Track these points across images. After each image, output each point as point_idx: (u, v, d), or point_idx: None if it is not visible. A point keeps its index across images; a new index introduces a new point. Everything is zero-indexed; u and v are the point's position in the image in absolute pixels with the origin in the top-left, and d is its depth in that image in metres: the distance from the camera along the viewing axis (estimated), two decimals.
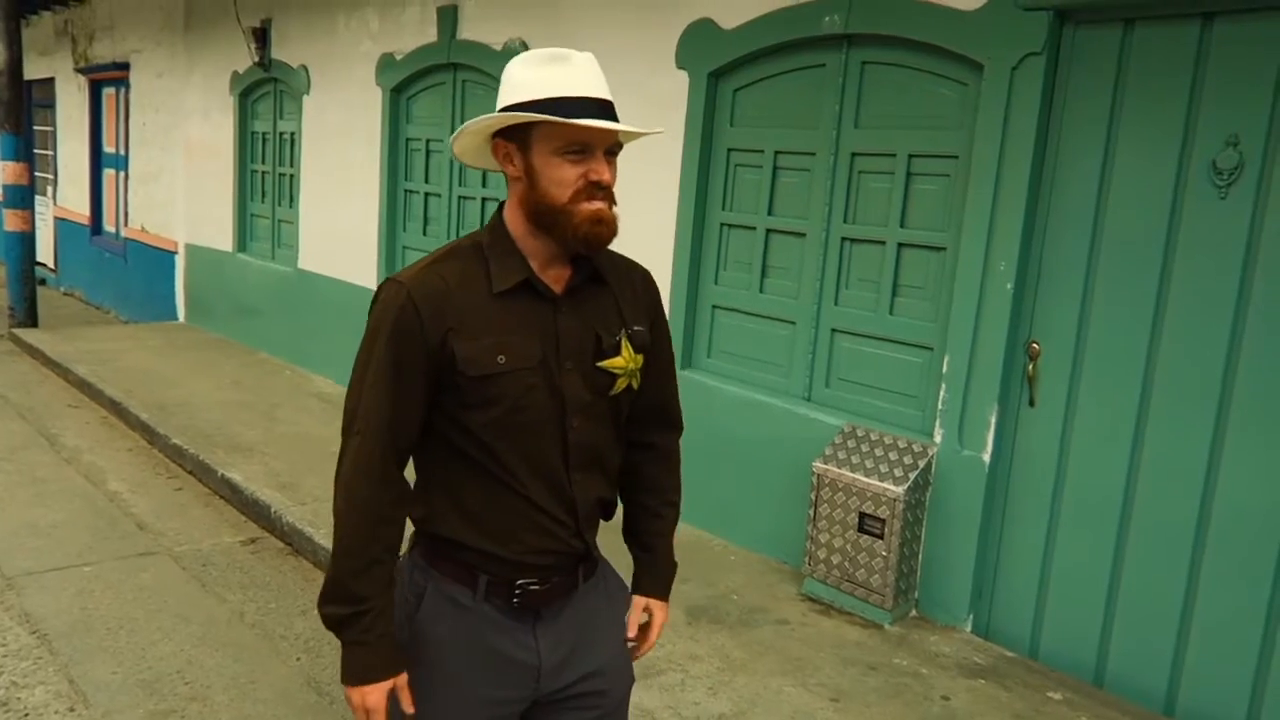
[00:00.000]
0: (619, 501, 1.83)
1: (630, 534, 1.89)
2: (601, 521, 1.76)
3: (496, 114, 1.52)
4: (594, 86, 1.51)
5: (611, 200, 1.54)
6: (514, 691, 1.64)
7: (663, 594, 1.87)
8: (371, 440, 1.54)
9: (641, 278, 1.75)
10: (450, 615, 1.62)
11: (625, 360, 1.64)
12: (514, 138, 1.54)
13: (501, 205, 1.62)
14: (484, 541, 1.60)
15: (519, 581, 1.61)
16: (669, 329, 1.82)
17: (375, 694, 1.55)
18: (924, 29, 3.62)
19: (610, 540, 1.83)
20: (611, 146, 1.54)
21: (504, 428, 1.56)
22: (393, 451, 1.55)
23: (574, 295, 1.61)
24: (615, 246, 1.71)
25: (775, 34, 4.11)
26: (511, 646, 1.63)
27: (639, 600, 1.84)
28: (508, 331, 1.54)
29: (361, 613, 1.53)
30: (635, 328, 1.67)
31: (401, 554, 1.64)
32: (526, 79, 1.51)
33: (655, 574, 1.87)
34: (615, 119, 1.51)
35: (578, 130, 1.48)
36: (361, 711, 1.57)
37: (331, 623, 1.56)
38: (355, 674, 1.55)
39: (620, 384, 1.65)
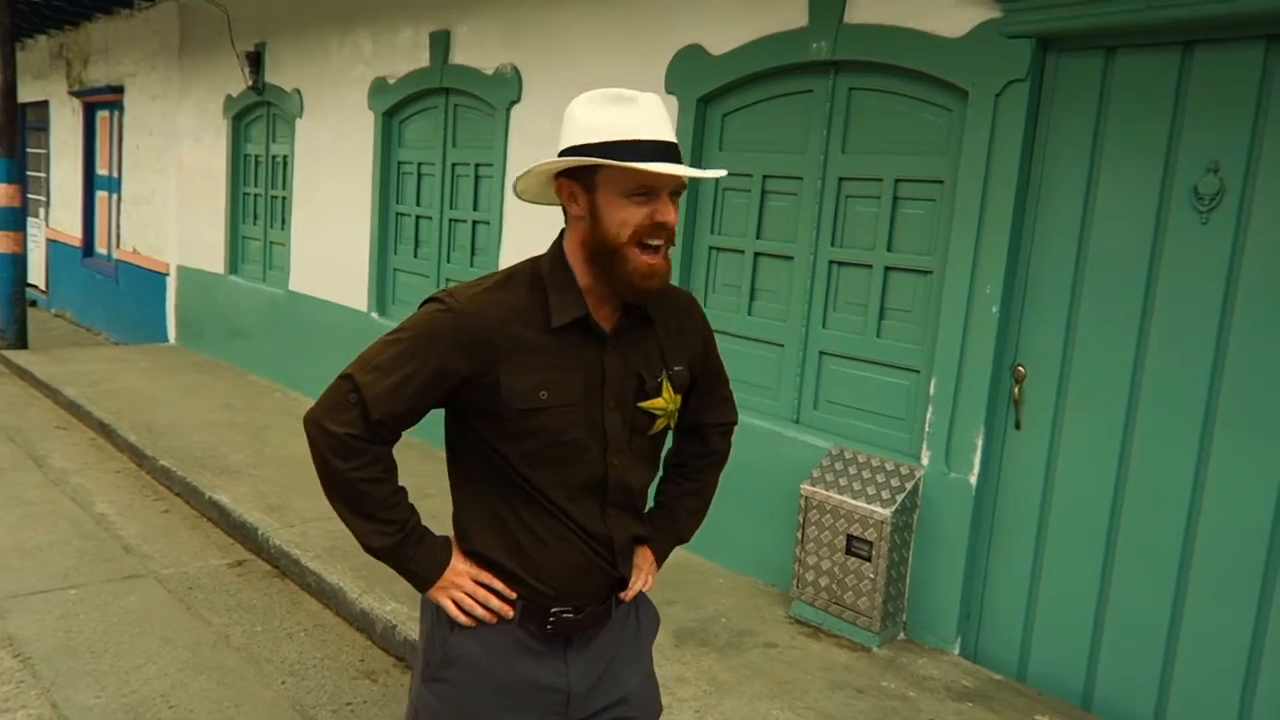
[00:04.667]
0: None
1: (661, 487, 1.94)
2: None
3: (565, 157, 1.55)
4: (659, 129, 1.53)
5: (670, 241, 1.57)
6: (540, 716, 1.66)
7: (654, 546, 1.84)
8: (349, 409, 1.55)
9: (685, 309, 1.77)
10: (486, 636, 1.64)
11: (666, 401, 1.68)
12: (579, 178, 1.56)
13: (561, 235, 1.65)
14: (521, 567, 1.62)
15: (554, 610, 1.64)
16: (717, 354, 1.88)
17: (453, 577, 1.62)
18: (910, 56, 3.67)
19: None
20: (677, 188, 1.56)
21: (543, 460, 1.58)
22: (380, 427, 1.56)
23: (621, 335, 1.63)
24: None
25: (763, 60, 4.16)
26: (543, 671, 1.65)
27: (647, 557, 1.83)
28: (554, 368, 1.57)
29: (405, 535, 1.61)
30: (676, 368, 1.70)
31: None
32: (593, 121, 1.53)
33: (655, 535, 1.85)
34: (679, 160, 1.54)
35: (646, 174, 1.50)
36: (460, 596, 1.61)
37: (383, 556, 1.62)
38: (429, 579, 1.63)
39: (659, 424, 1.69)
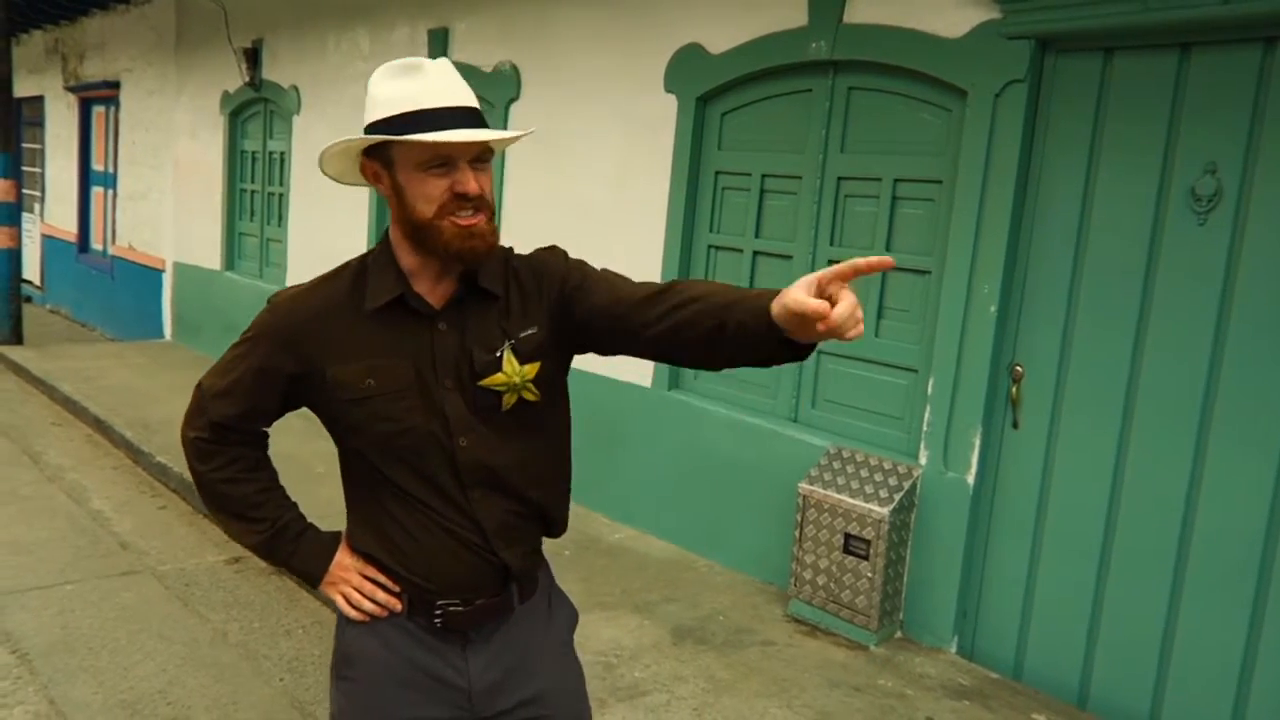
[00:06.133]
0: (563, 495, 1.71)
1: (728, 328, 1.35)
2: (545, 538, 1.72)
3: (349, 137, 1.49)
4: (450, 95, 1.45)
5: (486, 211, 1.48)
6: (443, 711, 1.61)
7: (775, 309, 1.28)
8: (199, 414, 1.63)
9: (538, 266, 1.60)
10: (381, 630, 1.62)
11: (508, 375, 1.54)
12: (377, 157, 1.50)
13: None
14: (396, 563, 1.59)
15: (439, 602, 1.59)
16: (588, 267, 1.60)
17: (339, 571, 1.63)
18: (909, 56, 3.67)
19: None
20: (479, 154, 1.47)
21: (387, 450, 1.55)
22: (220, 430, 1.62)
23: (454, 310, 1.55)
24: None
25: (762, 59, 4.17)
26: (440, 666, 1.61)
27: (783, 297, 1.24)
28: (378, 354, 1.52)
29: (276, 532, 1.65)
30: (523, 334, 1.56)
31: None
32: (382, 94, 1.47)
33: (750, 304, 1.33)
34: (480, 124, 1.47)
35: (432, 145, 1.43)
36: (348, 591, 1.62)
37: (261, 554, 1.67)
38: (315, 574, 1.65)
39: (508, 399, 1.56)
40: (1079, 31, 3.25)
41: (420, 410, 1.53)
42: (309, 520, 1.71)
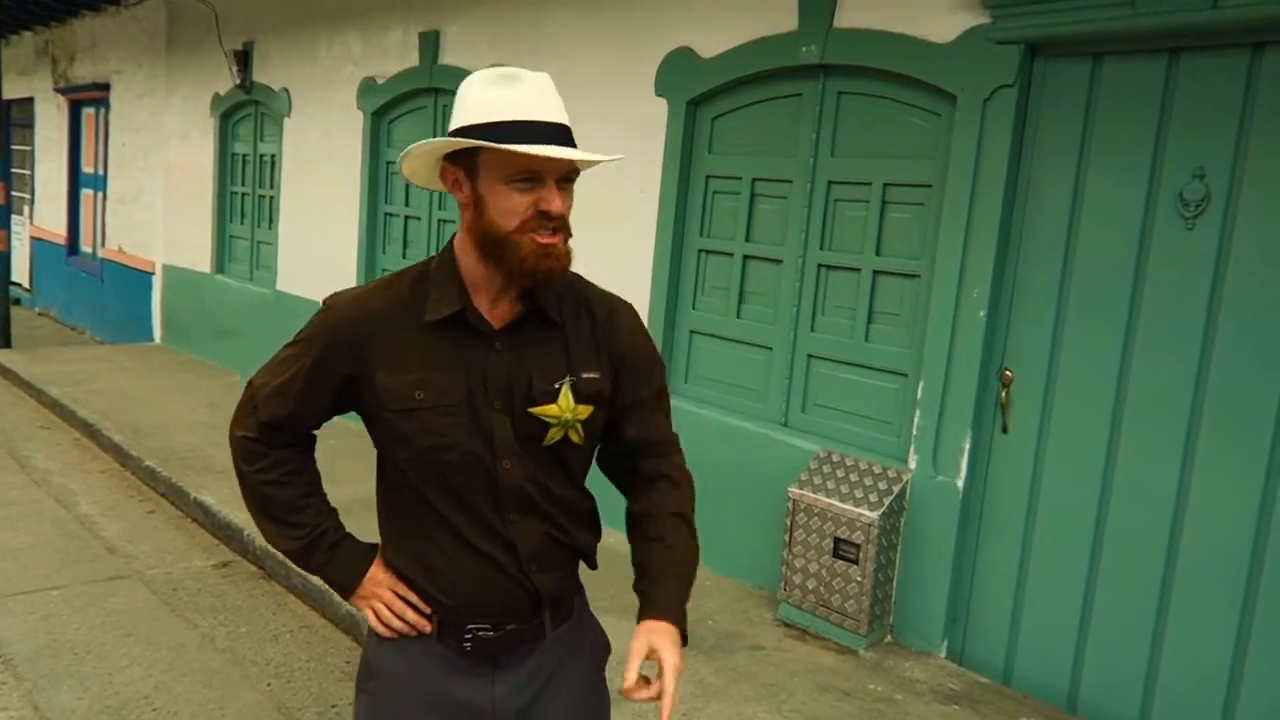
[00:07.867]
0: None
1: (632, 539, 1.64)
2: (585, 568, 1.69)
3: (441, 138, 1.43)
4: (547, 109, 1.41)
5: (565, 232, 1.45)
6: None
7: (660, 615, 1.52)
8: (249, 414, 1.59)
9: (611, 313, 1.60)
10: (408, 649, 1.59)
11: (561, 409, 1.51)
12: (462, 163, 1.46)
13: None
14: (427, 581, 1.57)
15: (469, 626, 1.57)
16: (654, 363, 1.66)
17: (372, 586, 1.60)
18: (898, 61, 3.68)
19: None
20: (567, 174, 1.44)
21: (428, 465, 1.51)
22: (270, 430, 1.58)
23: (514, 333, 1.51)
24: (593, 270, 1.69)
25: (753, 63, 4.17)
26: (464, 691, 1.58)
27: (636, 638, 1.50)
28: (431, 367, 1.48)
29: (313, 540, 1.60)
30: (585, 374, 1.53)
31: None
32: (476, 100, 1.42)
33: (646, 598, 1.56)
34: (571, 143, 1.42)
35: (525, 158, 1.38)
36: (379, 607, 1.59)
37: (296, 560, 1.63)
38: (348, 586, 1.62)
39: (554, 434, 1.52)
40: (1068, 36, 3.26)
41: (466, 429, 1.49)
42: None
